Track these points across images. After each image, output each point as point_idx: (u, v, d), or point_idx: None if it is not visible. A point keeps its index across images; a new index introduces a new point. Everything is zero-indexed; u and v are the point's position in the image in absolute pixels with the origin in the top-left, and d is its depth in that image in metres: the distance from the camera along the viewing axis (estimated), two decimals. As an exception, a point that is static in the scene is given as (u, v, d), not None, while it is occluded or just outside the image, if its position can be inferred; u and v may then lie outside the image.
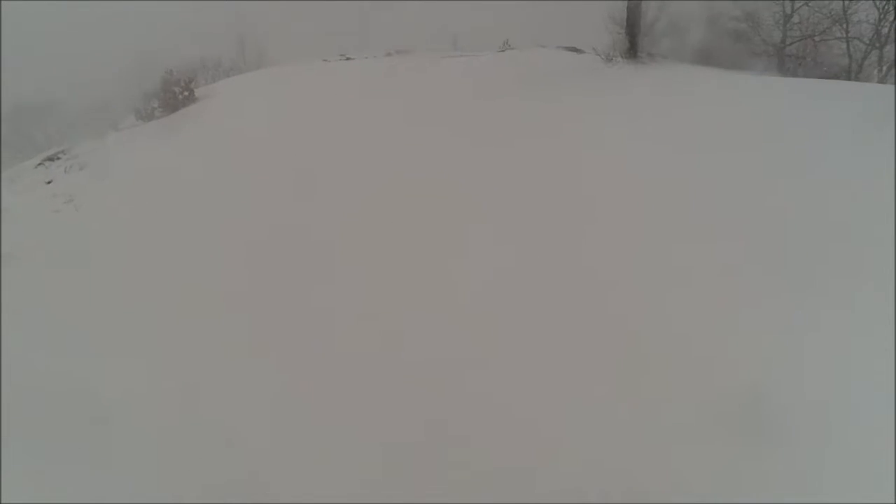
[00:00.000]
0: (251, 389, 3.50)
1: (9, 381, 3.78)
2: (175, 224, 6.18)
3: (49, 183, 11.20)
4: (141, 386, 3.70)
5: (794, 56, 17.16)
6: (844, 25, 13.52)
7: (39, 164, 13.13)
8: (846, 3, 13.38)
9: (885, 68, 13.70)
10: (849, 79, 14.12)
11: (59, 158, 13.16)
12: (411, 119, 8.44)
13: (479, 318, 3.63)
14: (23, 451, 3.30)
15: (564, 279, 3.83)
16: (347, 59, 16.49)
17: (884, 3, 12.89)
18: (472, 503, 2.65)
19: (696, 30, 14.65)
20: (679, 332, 3.21)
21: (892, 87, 8.44)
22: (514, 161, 5.70)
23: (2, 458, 3.19)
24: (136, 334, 4.23)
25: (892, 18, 12.73)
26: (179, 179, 8.06)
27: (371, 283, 4.21)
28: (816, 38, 14.28)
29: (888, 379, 2.62)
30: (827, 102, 7.18)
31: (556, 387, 3.09)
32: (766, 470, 2.46)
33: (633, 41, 9.84)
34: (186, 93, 15.39)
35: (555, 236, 4.30)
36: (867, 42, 13.56)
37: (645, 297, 3.52)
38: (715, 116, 6.58)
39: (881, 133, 4.77)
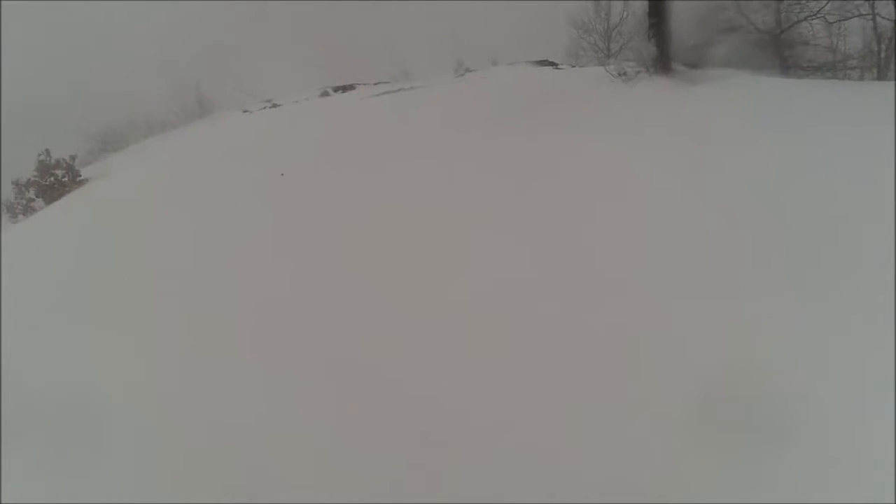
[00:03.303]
0: (252, 391, 3.36)
1: (9, 380, 3.66)
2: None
3: None
4: (141, 386, 3.55)
5: (793, 42, 14.86)
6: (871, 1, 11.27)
7: None
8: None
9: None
10: (877, 65, 11.88)
11: None
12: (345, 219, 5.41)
13: (477, 323, 3.45)
14: (23, 451, 3.18)
15: (563, 281, 3.62)
16: (273, 105, 13.56)
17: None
18: (471, 503, 2.51)
19: (681, 25, 12.09)
20: (679, 333, 3.07)
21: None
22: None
23: (2, 458, 3.11)
24: (135, 334, 4.09)
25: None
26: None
27: (370, 288, 4.03)
28: (830, 19, 12.01)
29: (888, 379, 2.53)
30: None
31: (556, 388, 2.95)
32: (766, 470, 2.40)
33: (665, 48, 6.92)
34: (69, 175, 12.14)
35: (553, 237, 4.06)
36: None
37: (644, 298, 3.34)
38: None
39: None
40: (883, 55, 11.61)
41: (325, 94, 14.33)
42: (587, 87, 7.31)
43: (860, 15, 11.72)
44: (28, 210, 11.95)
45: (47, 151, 12.22)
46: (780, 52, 14.67)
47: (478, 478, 2.61)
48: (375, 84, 14.82)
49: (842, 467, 2.33)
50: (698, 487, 2.38)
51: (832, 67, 14.13)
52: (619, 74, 7.04)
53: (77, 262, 5.71)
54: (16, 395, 3.51)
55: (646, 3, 7.37)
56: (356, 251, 4.50)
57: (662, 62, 6.82)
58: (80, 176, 12.32)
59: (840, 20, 12.06)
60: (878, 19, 11.59)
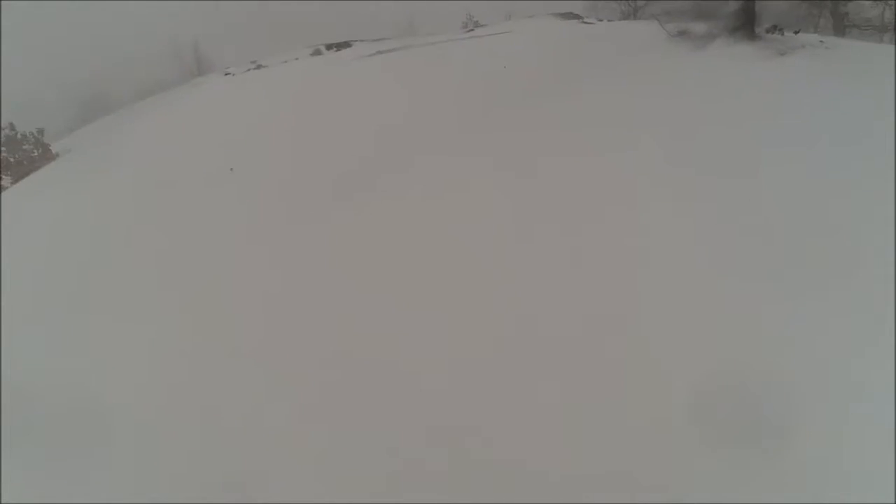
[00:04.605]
0: (254, 391, 3.28)
1: (9, 380, 3.63)
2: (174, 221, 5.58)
3: None
4: (141, 386, 3.49)
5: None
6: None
7: None
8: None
9: None
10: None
11: None
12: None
13: (475, 320, 3.37)
14: (23, 451, 3.16)
15: (563, 281, 3.51)
16: (258, 66, 12.03)
17: None
18: (467, 503, 2.48)
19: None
20: (679, 333, 2.99)
21: None
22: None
23: (2, 458, 3.08)
24: (136, 334, 3.98)
25: None
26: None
27: (371, 284, 3.89)
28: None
29: (888, 379, 2.49)
30: None
31: (556, 387, 2.89)
32: (766, 470, 2.36)
33: (750, 4, 4.92)
34: (38, 150, 11.03)
35: (554, 236, 3.87)
36: None
37: (644, 299, 3.25)
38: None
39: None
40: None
41: (316, 52, 12.69)
42: (641, 50, 5.54)
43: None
44: (-6, 188, 10.91)
45: (11, 125, 11.09)
46: (836, 8, 12.59)
47: (476, 477, 2.56)
48: (375, 41, 13.13)
49: (842, 467, 2.31)
50: (698, 487, 2.35)
51: (887, 28, 12.08)
52: (679, 33, 5.30)
53: (76, 257, 5.37)
54: (16, 395, 3.45)
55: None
56: (356, 246, 4.26)
57: (746, 23, 4.98)
58: (50, 150, 11.22)
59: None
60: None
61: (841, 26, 11.17)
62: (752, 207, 3.56)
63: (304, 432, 2.92)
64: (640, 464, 2.45)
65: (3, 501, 2.92)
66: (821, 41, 5.20)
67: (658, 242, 3.49)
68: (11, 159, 10.98)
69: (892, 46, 5.38)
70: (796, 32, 5.36)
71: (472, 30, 10.68)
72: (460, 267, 3.73)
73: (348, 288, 3.84)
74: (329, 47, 13.14)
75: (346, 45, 13.43)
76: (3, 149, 11.09)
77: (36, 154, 11.19)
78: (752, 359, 2.73)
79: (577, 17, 9.92)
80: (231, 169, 5.72)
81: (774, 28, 5.18)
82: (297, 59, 12.26)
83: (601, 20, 10.16)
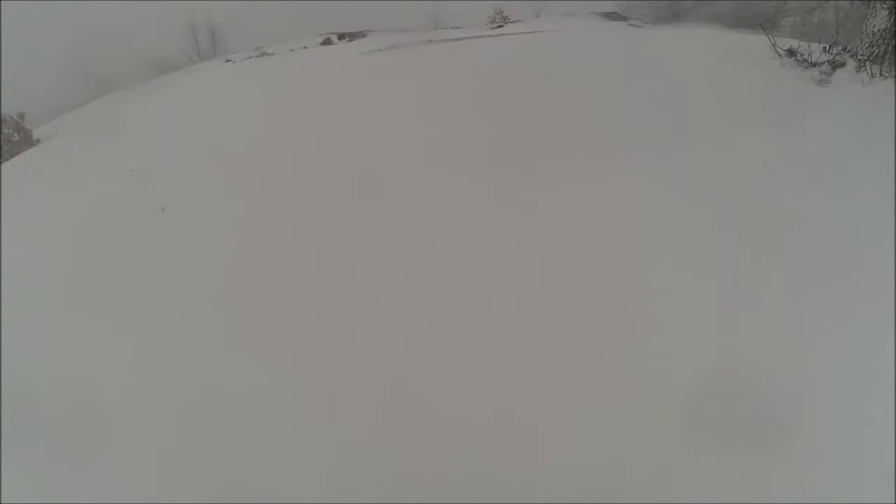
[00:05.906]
0: (255, 390, 3.23)
1: (9, 380, 3.63)
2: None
3: None
4: (141, 385, 3.44)
5: None
6: None
7: None
8: None
9: None
10: None
11: None
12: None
13: (477, 322, 3.32)
14: (23, 451, 3.13)
15: (564, 281, 3.47)
16: (262, 54, 10.97)
17: None
18: (467, 503, 2.49)
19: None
20: (678, 332, 2.95)
21: None
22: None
23: (2, 458, 3.05)
24: (136, 333, 3.95)
25: None
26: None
27: (369, 282, 3.87)
28: None
29: (888, 379, 2.49)
30: None
31: (555, 388, 2.86)
32: (766, 470, 2.36)
33: None
34: (19, 134, 10.21)
35: (555, 238, 3.84)
36: None
37: (643, 298, 3.19)
38: None
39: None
40: None
41: (327, 41, 11.62)
42: (736, 75, 4.27)
43: None
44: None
45: (-10, 106, 10.30)
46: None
47: (478, 477, 2.52)
48: (393, 32, 12.02)
49: (842, 467, 2.27)
50: (697, 488, 2.32)
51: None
52: (788, 54, 4.00)
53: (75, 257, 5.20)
54: (16, 395, 3.41)
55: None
56: (360, 248, 4.10)
57: None
58: (31, 135, 10.39)
59: None
60: None
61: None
62: (753, 210, 3.42)
63: (307, 432, 2.91)
64: (640, 464, 2.42)
65: (3, 502, 2.91)
66: None
67: (659, 244, 3.45)
68: (-8, 140, 10.16)
69: None
70: None
71: (500, 25, 9.53)
72: (462, 269, 3.69)
73: (352, 287, 3.74)
74: (341, 37, 12.06)
75: (361, 34, 12.33)
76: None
77: (16, 138, 10.35)
78: (753, 359, 2.71)
79: (623, 18, 8.73)
80: (163, 208, 5.07)
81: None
82: (304, 47, 11.20)
83: (647, 24, 8.96)
